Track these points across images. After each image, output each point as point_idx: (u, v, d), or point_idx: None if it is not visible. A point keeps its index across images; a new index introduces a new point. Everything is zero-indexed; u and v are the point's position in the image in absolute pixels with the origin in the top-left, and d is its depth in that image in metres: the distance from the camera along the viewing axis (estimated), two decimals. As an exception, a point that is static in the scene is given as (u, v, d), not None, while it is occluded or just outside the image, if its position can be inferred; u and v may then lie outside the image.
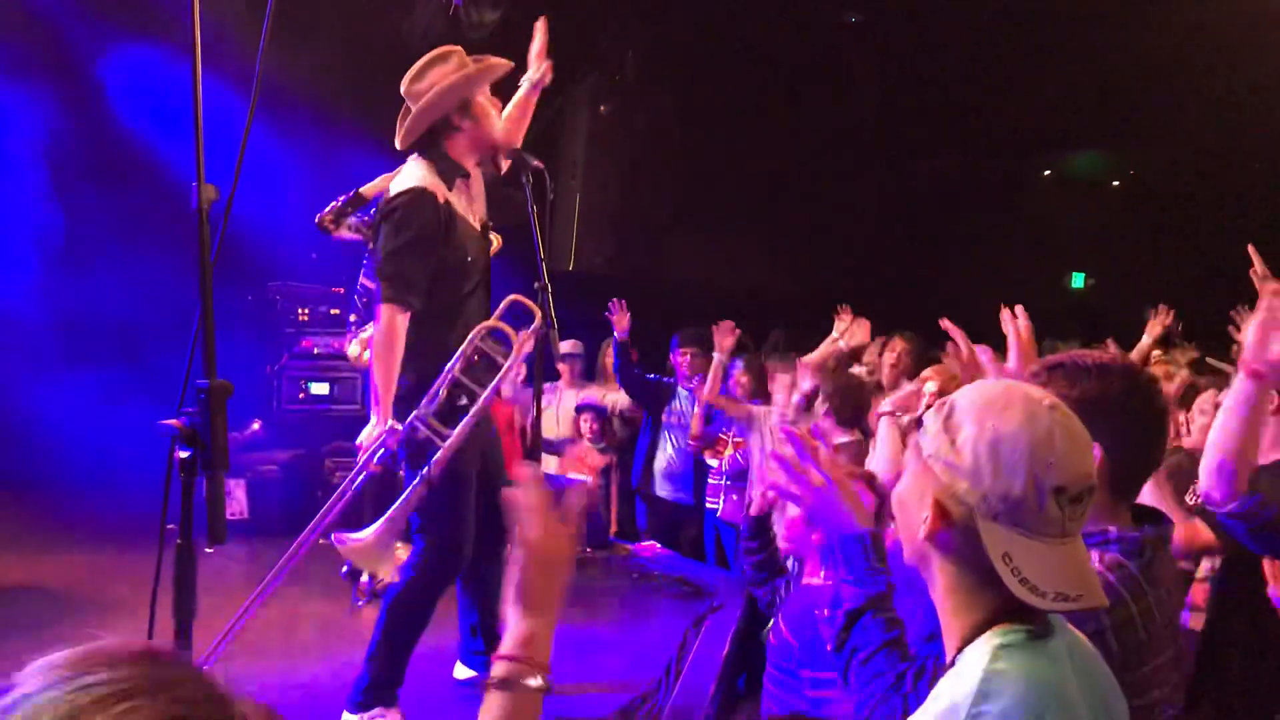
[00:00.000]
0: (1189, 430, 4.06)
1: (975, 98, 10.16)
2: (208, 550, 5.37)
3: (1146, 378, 1.98)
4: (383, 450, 3.59)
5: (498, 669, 1.40)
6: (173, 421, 1.70)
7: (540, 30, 4.19)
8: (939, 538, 1.42)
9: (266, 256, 8.10)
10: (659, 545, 6.57)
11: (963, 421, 1.40)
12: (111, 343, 7.79)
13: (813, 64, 9.51)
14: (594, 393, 7.44)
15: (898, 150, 11.04)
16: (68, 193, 8.02)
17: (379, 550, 3.51)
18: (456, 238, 3.78)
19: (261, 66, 1.82)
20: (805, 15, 8.91)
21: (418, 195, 3.67)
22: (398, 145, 3.89)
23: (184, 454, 1.70)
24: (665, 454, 6.91)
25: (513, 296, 3.78)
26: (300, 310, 8.02)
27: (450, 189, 3.78)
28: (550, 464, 7.07)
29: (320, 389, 7.80)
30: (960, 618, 1.43)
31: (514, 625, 1.44)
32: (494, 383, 3.67)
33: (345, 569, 3.55)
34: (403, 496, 3.58)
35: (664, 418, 6.95)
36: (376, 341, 3.65)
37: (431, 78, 3.78)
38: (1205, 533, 3.08)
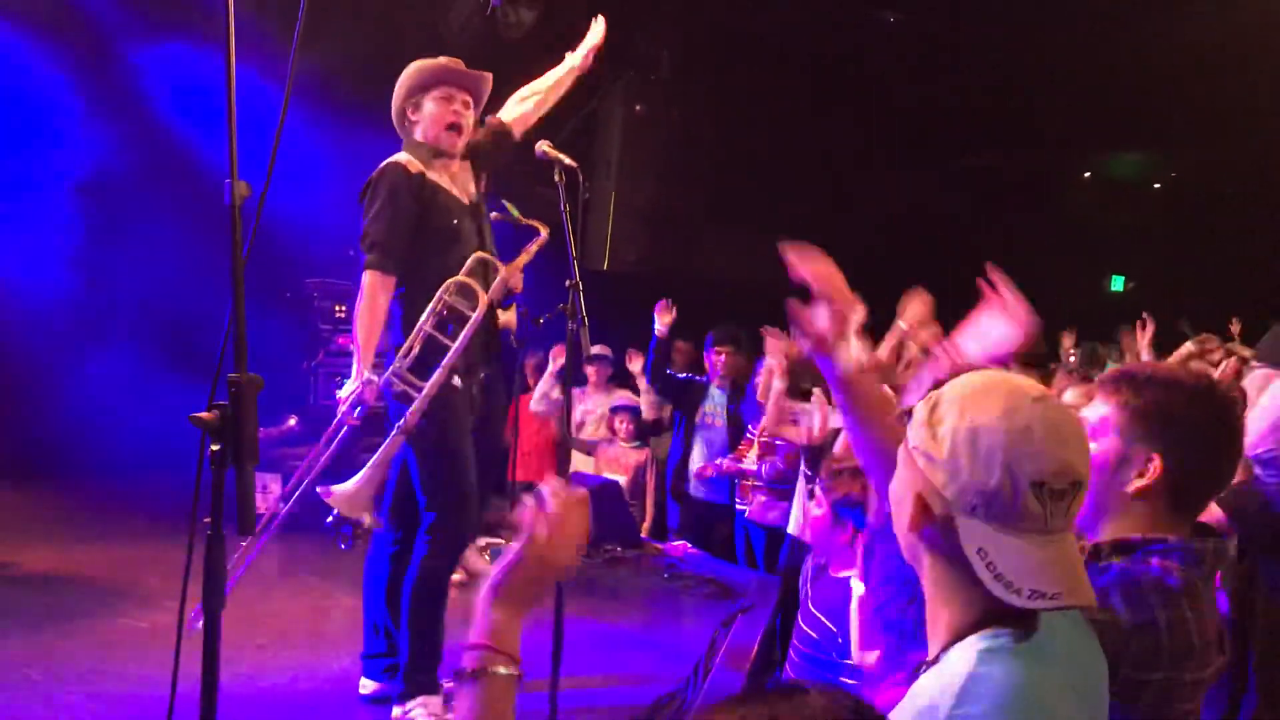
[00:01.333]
0: None
1: (1015, 97, 10.07)
2: (243, 544, 5.45)
3: (1220, 393, 1.92)
4: (360, 406, 3.72)
5: (469, 659, 1.41)
6: (204, 415, 1.72)
7: (600, 25, 4.48)
8: (924, 533, 1.39)
9: (304, 253, 8.18)
10: (689, 545, 6.57)
11: (945, 414, 1.37)
12: (151, 334, 7.90)
13: (849, 63, 9.45)
14: (626, 395, 7.45)
15: (935, 149, 10.96)
16: (109, 184, 8.11)
17: (363, 498, 3.67)
18: (438, 206, 3.96)
19: (294, 66, 1.83)
20: (841, 14, 8.86)
21: (387, 167, 3.93)
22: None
23: (215, 447, 1.72)
24: (699, 454, 6.90)
25: (478, 254, 3.93)
26: (337, 307, 8.09)
27: (428, 167, 3.99)
28: (579, 462, 7.09)
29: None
30: (947, 614, 1.40)
31: (486, 614, 1.45)
32: (463, 335, 3.80)
33: (331, 518, 3.67)
34: (382, 446, 3.73)
35: (697, 418, 6.93)
36: (358, 304, 3.83)
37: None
38: (1214, 511, 3.02)
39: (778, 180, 9.76)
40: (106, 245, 8.21)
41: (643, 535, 6.78)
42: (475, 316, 3.82)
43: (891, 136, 10.42)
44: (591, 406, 7.49)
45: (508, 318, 5.44)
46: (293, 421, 7.58)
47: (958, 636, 1.37)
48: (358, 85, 7.99)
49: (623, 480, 6.98)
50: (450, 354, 3.78)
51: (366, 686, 4.13)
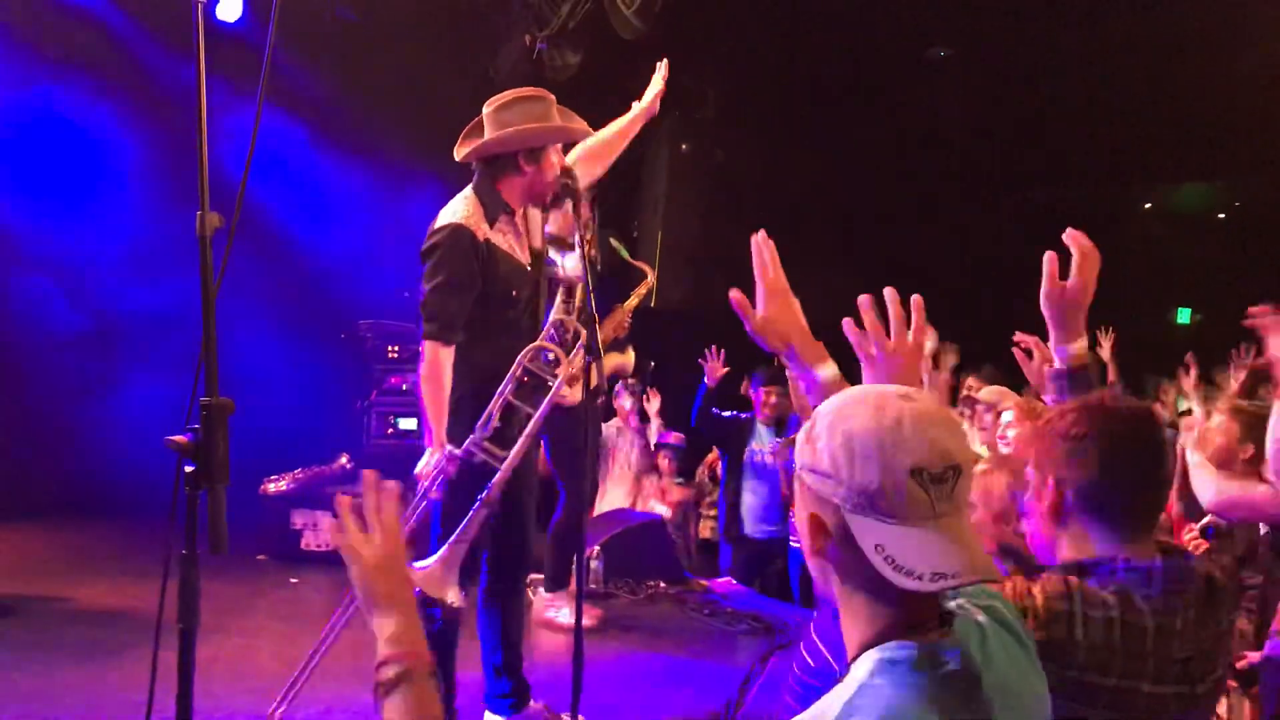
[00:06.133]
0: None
1: (1072, 129, 9.97)
2: (293, 580, 5.48)
3: (1113, 410, 1.95)
4: (442, 477, 3.68)
5: (384, 674, 1.44)
6: (179, 438, 1.78)
7: (663, 66, 4.44)
8: (828, 551, 1.41)
9: (357, 294, 8.34)
10: (734, 581, 6.54)
11: (822, 428, 1.41)
12: (186, 363, 8.01)
13: (898, 99, 9.44)
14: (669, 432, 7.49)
15: (992, 183, 10.87)
16: (140, 209, 8.25)
17: (445, 576, 3.58)
18: (498, 274, 3.85)
19: (261, 100, 1.91)
20: (890, 50, 8.87)
21: (454, 233, 3.76)
22: (456, 156, 3.98)
23: (189, 469, 1.78)
24: (751, 492, 6.90)
25: (557, 316, 3.88)
26: (390, 348, 8.20)
27: (493, 225, 3.85)
28: (617, 499, 7.10)
29: (409, 424, 7.93)
30: (857, 630, 1.42)
31: (379, 629, 1.50)
32: (545, 402, 3.69)
33: (416, 592, 3.64)
34: (464, 522, 3.61)
35: (746, 457, 6.93)
36: (423, 375, 3.76)
37: (518, 113, 3.87)
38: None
39: (824, 217, 9.75)
40: (141, 274, 8.36)
41: (686, 572, 6.76)
42: (557, 385, 3.71)
43: (945, 172, 10.36)
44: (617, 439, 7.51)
45: (623, 360, 5.48)
46: (345, 460, 7.70)
47: (864, 649, 1.39)
48: (406, 129, 8.20)
49: (667, 514, 6.98)
50: (533, 422, 3.69)
51: None
